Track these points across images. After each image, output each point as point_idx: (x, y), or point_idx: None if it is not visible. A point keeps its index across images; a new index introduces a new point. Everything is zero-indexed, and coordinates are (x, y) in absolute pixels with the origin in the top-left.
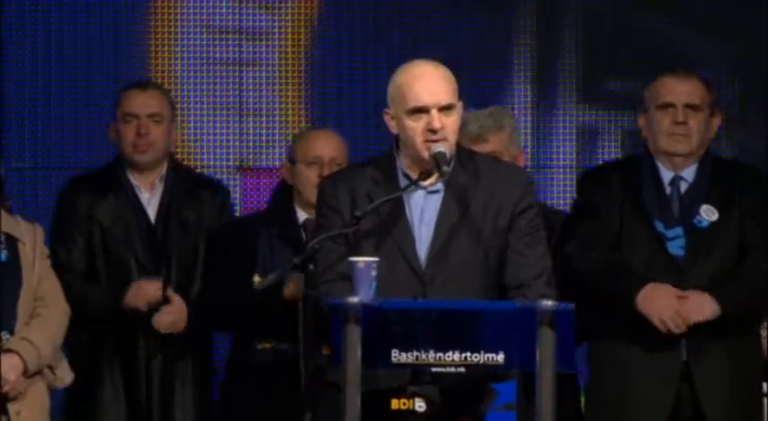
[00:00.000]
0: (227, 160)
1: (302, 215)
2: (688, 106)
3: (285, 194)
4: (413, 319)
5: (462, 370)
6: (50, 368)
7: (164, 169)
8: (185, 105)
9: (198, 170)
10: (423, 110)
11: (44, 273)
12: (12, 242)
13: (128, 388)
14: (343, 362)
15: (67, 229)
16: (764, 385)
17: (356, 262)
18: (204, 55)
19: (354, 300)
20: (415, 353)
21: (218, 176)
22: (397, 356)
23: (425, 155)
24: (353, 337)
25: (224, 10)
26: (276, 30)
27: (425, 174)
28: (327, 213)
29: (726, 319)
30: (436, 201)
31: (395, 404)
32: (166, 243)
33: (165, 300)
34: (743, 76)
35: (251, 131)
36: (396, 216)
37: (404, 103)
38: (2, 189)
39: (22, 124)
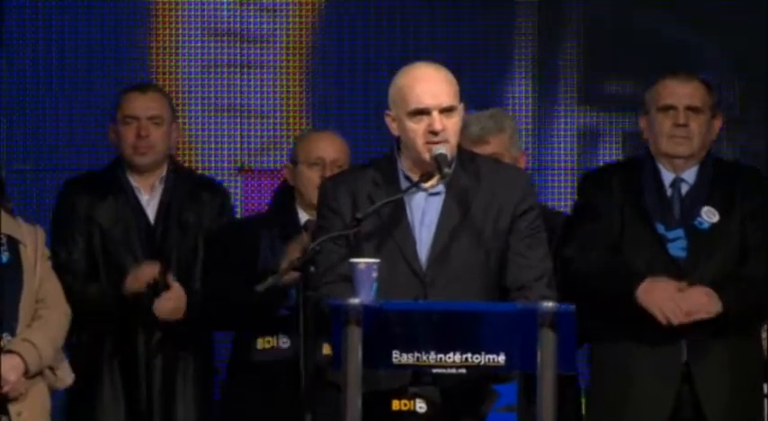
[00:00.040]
0: (228, 162)
1: (303, 216)
2: (689, 108)
3: (286, 195)
4: (414, 320)
5: (463, 371)
6: (51, 369)
7: (163, 171)
8: (187, 107)
9: (199, 172)
10: (424, 112)
11: (45, 275)
12: (13, 244)
13: (128, 388)
14: (344, 363)
15: (68, 230)
16: (765, 386)
17: (357, 263)
18: (205, 57)
19: (355, 301)
20: (416, 355)
21: (219, 178)
22: (398, 357)
23: (426, 156)
24: (354, 338)
25: (225, 12)
26: (277, 32)
27: (426, 176)
28: (328, 215)
29: (727, 317)
30: (437, 202)
31: (396, 405)
32: (166, 244)
33: (166, 287)
34: (743, 77)
35: (252, 133)
36: (397, 218)
37: (405, 105)
38: (3, 191)
39: (24, 126)
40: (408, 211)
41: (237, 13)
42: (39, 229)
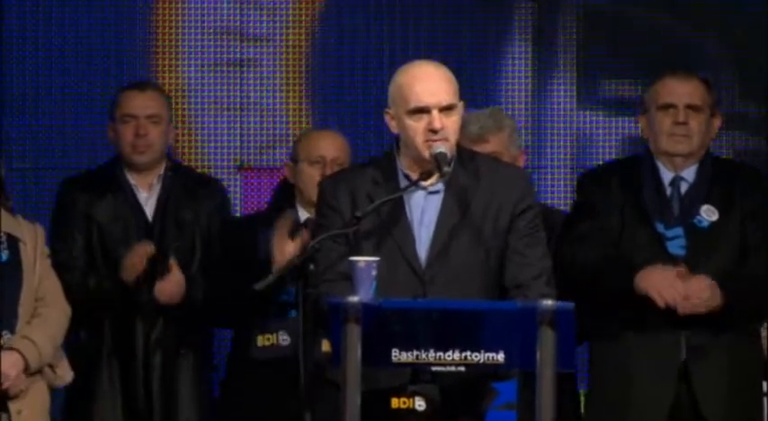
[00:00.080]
0: (228, 160)
1: (303, 214)
2: (689, 107)
3: (286, 194)
4: (413, 319)
5: (462, 369)
6: (51, 367)
7: (161, 169)
8: (187, 105)
9: (199, 169)
10: (423, 110)
11: (45, 273)
12: (13, 242)
13: (126, 386)
14: (344, 361)
15: (67, 228)
16: (764, 384)
17: (356, 261)
18: (205, 55)
19: (354, 299)
20: (416, 353)
21: (219, 176)
22: (398, 356)
23: (426, 155)
24: (353, 337)
25: (225, 11)
26: (277, 30)
27: (426, 175)
28: (328, 213)
29: (728, 312)
30: (436, 201)
31: (395, 403)
32: (163, 242)
33: (167, 269)
34: (743, 75)
35: (252, 131)
36: (396, 216)
37: (405, 104)
38: (3, 189)
39: (24, 125)
40: (408, 210)
41: (238, 12)
42: (38, 228)
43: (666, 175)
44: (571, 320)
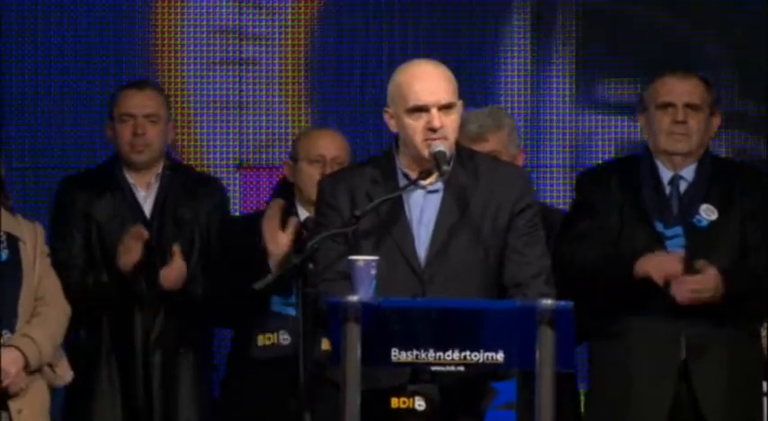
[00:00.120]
0: (227, 159)
1: (303, 213)
2: (688, 106)
3: (285, 193)
4: (412, 318)
5: (462, 368)
6: (50, 366)
7: (160, 168)
8: (186, 104)
9: (198, 168)
10: (423, 109)
11: (44, 272)
12: (13, 241)
13: (126, 385)
14: (343, 360)
15: (66, 227)
16: (764, 384)
17: (356, 260)
18: (205, 54)
19: (354, 298)
20: (415, 352)
21: (218, 175)
22: (397, 355)
23: (425, 154)
24: (353, 336)
25: (225, 10)
26: (276, 29)
27: (425, 174)
28: (327, 212)
29: (728, 301)
30: (436, 200)
31: (394, 403)
32: (162, 240)
33: (171, 254)
34: (743, 75)
35: (251, 130)
36: (395, 215)
37: (404, 102)
38: (3, 188)
39: (23, 124)
40: (407, 209)
41: (237, 11)
42: (38, 227)
43: (666, 174)
44: (570, 319)
